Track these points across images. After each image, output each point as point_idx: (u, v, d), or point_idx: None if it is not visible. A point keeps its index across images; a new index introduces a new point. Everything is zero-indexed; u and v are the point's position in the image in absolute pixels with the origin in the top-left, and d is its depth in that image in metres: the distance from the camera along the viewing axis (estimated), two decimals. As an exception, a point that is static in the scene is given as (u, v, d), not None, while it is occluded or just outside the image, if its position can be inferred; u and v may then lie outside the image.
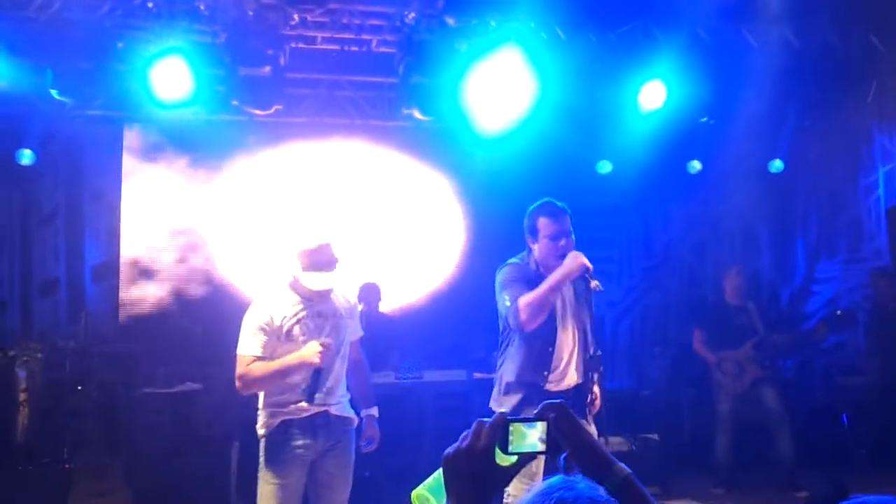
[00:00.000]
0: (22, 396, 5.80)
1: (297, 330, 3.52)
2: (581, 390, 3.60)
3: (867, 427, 6.59)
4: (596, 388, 3.62)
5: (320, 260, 3.49)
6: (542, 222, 3.60)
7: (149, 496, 5.64)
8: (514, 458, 1.41)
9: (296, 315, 3.53)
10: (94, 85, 6.01)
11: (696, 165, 7.74)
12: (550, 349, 3.55)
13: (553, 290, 3.43)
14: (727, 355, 6.23)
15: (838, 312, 6.87)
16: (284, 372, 3.43)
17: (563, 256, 3.49)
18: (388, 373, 6.09)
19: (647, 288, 8.46)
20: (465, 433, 1.44)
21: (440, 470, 1.45)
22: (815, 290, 8.00)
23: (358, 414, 3.79)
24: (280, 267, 3.61)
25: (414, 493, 1.51)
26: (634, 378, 7.91)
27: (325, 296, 3.59)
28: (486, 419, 1.44)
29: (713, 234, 8.60)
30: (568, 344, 3.60)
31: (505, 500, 3.53)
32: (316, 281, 3.51)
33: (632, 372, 8.02)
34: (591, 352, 3.57)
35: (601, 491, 1.31)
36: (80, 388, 5.70)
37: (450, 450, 1.42)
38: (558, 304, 3.58)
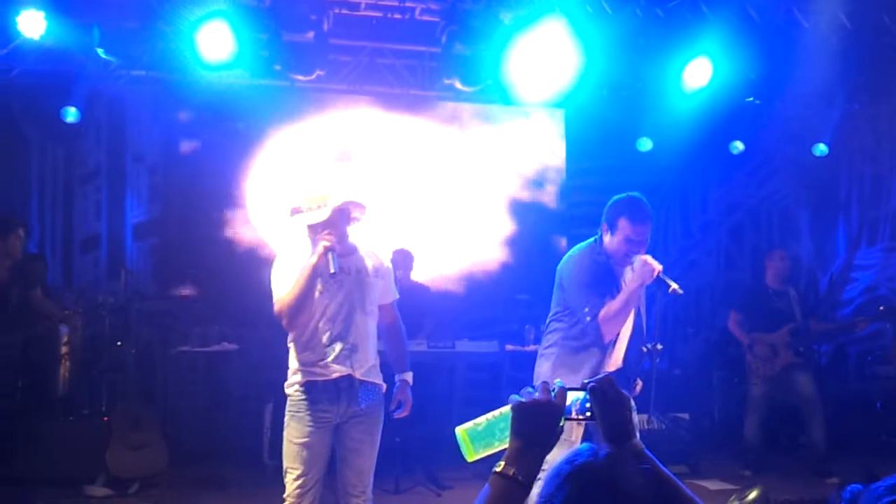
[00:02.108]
0: (64, 350, 5.94)
1: (316, 282, 3.52)
2: (623, 372, 3.61)
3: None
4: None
5: (317, 200, 3.49)
6: (623, 223, 3.50)
7: (183, 451, 5.78)
8: (562, 422, 1.55)
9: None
10: (139, 45, 6.07)
11: (738, 146, 7.59)
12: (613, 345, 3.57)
13: (629, 303, 3.42)
14: (760, 337, 6.18)
15: (881, 308, 6.75)
16: (311, 276, 3.38)
17: (629, 256, 3.48)
18: (420, 341, 6.13)
19: (683, 268, 8.39)
20: (526, 390, 1.57)
21: (490, 417, 1.59)
22: (853, 276, 7.89)
23: (392, 378, 3.80)
24: (293, 222, 3.58)
25: (459, 429, 1.61)
26: (666, 358, 7.87)
27: (328, 227, 3.50)
28: (546, 382, 1.58)
29: (753, 217, 8.50)
30: (625, 335, 3.61)
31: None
32: (313, 216, 3.46)
33: (664, 352, 7.97)
34: (651, 345, 3.54)
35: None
36: (119, 343, 5.82)
37: (524, 399, 1.54)
38: None
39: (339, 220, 3.51)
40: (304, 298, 3.41)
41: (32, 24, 5.53)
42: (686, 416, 6.17)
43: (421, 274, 6.88)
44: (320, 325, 3.50)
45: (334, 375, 3.48)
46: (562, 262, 3.72)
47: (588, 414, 1.57)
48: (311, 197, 3.53)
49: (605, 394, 1.56)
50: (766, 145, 7.69)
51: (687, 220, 8.50)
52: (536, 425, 1.52)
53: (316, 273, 3.41)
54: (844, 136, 7.61)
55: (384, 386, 3.68)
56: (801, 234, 8.33)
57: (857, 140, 7.79)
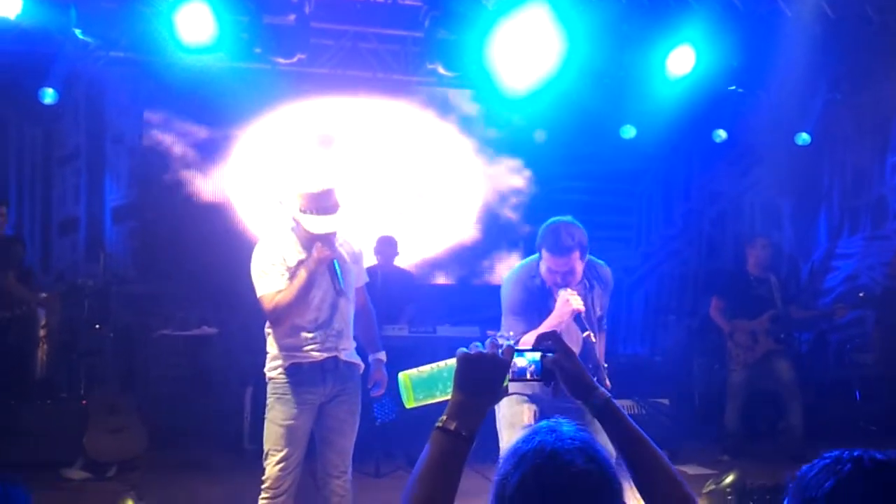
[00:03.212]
0: (42, 333, 5.90)
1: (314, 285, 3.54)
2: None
3: (879, 403, 6.58)
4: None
5: (322, 205, 3.42)
6: (544, 254, 3.40)
7: (163, 434, 5.76)
8: (506, 382, 1.55)
9: (300, 259, 3.52)
10: (117, 26, 5.99)
11: (721, 135, 7.60)
12: None
13: None
14: (741, 325, 6.22)
15: (861, 294, 6.80)
16: (307, 285, 3.44)
17: (557, 286, 3.37)
18: (401, 326, 6.12)
19: (665, 256, 8.43)
20: (474, 344, 1.55)
21: (435, 367, 1.58)
22: (834, 265, 7.94)
23: (365, 360, 3.82)
24: (282, 209, 3.54)
25: (403, 374, 1.60)
26: (648, 344, 7.92)
27: (327, 240, 3.52)
28: (495, 339, 1.58)
29: (735, 205, 8.54)
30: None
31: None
32: (317, 224, 3.43)
33: (645, 338, 8.03)
34: (595, 363, 3.47)
35: (580, 433, 1.42)
36: (97, 326, 5.78)
37: (469, 352, 1.52)
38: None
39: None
40: (300, 301, 3.47)
41: (8, 4, 5.42)
42: (666, 401, 6.20)
43: (404, 260, 6.87)
44: (308, 312, 3.52)
45: (320, 358, 3.52)
46: (504, 278, 3.65)
47: (537, 377, 1.58)
48: (314, 196, 3.43)
49: (557, 352, 1.59)
50: (749, 134, 7.70)
51: (670, 207, 8.52)
52: (480, 378, 1.51)
53: (314, 278, 3.45)
54: (826, 126, 7.63)
55: (362, 366, 3.73)
56: (783, 223, 8.37)
57: (839, 129, 7.82)
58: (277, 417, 3.54)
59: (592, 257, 3.63)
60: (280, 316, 3.49)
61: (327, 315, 3.54)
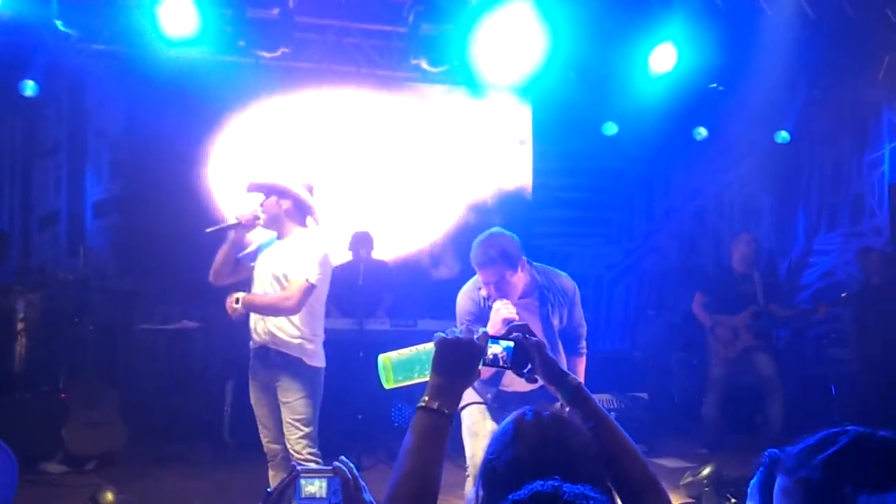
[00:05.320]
0: (20, 326, 5.86)
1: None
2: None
3: (855, 398, 6.67)
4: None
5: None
6: (476, 268, 3.46)
7: (143, 428, 5.75)
8: (481, 366, 1.65)
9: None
10: (99, 18, 5.96)
11: (702, 132, 7.66)
12: None
13: None
14: (722, 320, 6.27)
15: (844, 294, 6.87)
16: (226, 251, 4.04)
17: (495, 299, 3.41)
18: (382, 319, 6.14)
19: (645, 252, 8.49)
20: (451, 329, 1.65)
21: (414, 351, 1.67)
22: (812, 262, 8.03)
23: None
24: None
25: (382, 356, 1.68)
26: (628, 339, 7.97)
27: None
28: (470, 325, 1.70)
29: (715, 202, 8.61)
30: None
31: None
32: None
33: (625, 333, 8.08)
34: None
35: None
36: (77, 319, 5.75)
37: (447, 335, 1.62)
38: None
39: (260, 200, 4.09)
40: (216, 267, 4.06)
41: (-12, -4, 5.40)
42: (645, 395, 6.26)
43: (388, 252, 6.89)
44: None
45: (253, 346, 4.01)
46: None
47: (508, 364, 1.67)
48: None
49: (528, 343, 1.68)
50: (730, 131, 7.76)
51: (650, 204, 8.58)
52: (457, 361, 1.60)
53: (226, 249, 4.08)
54: (806, 123, 7.71)
55: (303, 358, 3.92)
56: (763, 219, 8.45)
57: (819, 127, 7.89)
58: None
59: (552, 267, 3.67)
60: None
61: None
